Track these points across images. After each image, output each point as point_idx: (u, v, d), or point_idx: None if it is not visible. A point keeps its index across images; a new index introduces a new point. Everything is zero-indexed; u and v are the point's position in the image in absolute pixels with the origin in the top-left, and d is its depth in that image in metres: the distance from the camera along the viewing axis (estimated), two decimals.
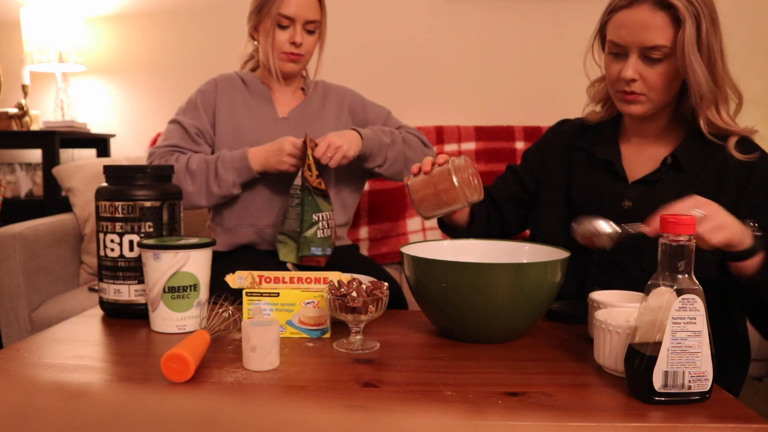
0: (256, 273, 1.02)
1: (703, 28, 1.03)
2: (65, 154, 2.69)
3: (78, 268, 2.12)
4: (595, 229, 0.99)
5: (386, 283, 0.94)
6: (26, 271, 1.87)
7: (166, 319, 1.01)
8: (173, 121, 1.53)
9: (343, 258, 1.49)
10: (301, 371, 0.85)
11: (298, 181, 1.40)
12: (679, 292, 0.73)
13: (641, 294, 0.79)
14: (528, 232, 1.36)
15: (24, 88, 2.49)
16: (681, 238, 0.74)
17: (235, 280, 1.01)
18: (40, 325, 1.85)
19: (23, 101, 2.50)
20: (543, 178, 1.28)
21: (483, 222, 1.29)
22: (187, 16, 2.65)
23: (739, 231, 0.91)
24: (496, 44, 2.61)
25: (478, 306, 0.92)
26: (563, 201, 1.23)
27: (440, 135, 2.40)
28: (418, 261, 0.96)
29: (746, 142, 1.10)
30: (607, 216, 1.01)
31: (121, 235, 1.08)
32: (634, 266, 1.11)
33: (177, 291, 1.00)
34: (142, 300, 1.08)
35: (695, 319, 0.73)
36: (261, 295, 1.00)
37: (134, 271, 1.08)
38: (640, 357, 0.75)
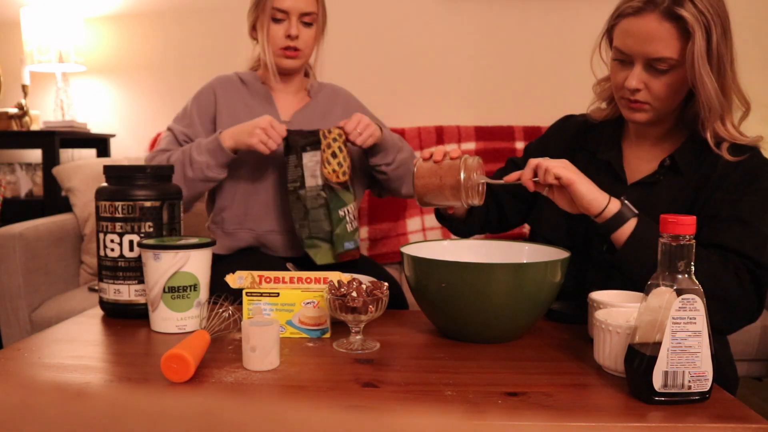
0: (256, 273, 1.02)
1: (713, 39, 0.99)
2: (65, 154, 2.69)
3: (78, 268, 2.13)
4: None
5: (386, 283, 0.94)
6: (26, 271, 1.87)
7: (166, 319, 1.01)
8: (168, 129, 1.54)
9: None
10: (301, 371, 0.85)
11: (318, 182, 1.35)
12: (679, 292, 0.73)
13: (641, 294, 0.79)
14: (528, 231, 1.35)
15: (24, 88, 2.49)
16: (681, 238, 0.74)
17: (235, 280, 1.01)
18: (40, 325, 1.85)
19: (23, 101, 2.50)
20: None
21: (480, 216, 1.29)
22: (187, 16, 2.65)
23: (593, 189, 1.01)
24: (496, 44, 2.61)
25: (478, 306, 0.92)
26: None
27: (440, 135, 2.40)
28: (418, 261, 0.96)
29: (744, 147, 1.08)
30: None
31: (121, 235, 1.08)
32: None
33: (177, 291, 1.00)
34: (142, 300, 1.08)
35: (695, 319, 0.73)
36: (261, 295, 1.00)
37: (134, 271, 1.08)
38: (640, 357, 0.75)
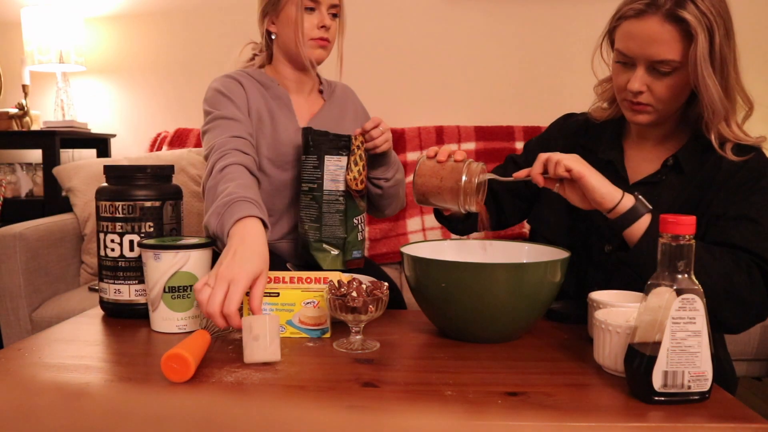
0: None
1: (716, 41, 0.98)
2: (65, 154, 2.69)
3: (78, 268, 2.13)
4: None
5: (386, 283, 0.94)
6: (26, 271, 1.87)
7: (167, 319, 1.01)
8: (212, 120, 1.32)
9: None
10: (301, 371, 0.85)
11: (339, 186, 1.30)
12: (679, 292, 0.73)
13: (641, 294, 0.79)
14: (528, 231, 1.35)
15: (24, 88, 2.49)
16: (681, 238, 0.74)
17: None
18: (40, 325, 1.85)
19: (24, 101, 2.50)
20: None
21: (479, 215, 1.29)
22: (187, 16, 2.66)
23: (605, 183, 1.00)
24: (496, 44, 2.61)
25: (478, 306, 0.92)
26: (564, 200, 1.23)
27: (440, 135, 2.40)
28: (418, 261, 0.96)
29: (748, 147, 1.08)
30: (606, 218, 1.01)
31: (121, 235, 1.08)
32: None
33: (177, 291, 1.00)
34: (142, 300, 1.08)
35: (695, 319, 0.73)
36: None
37: (134, 271, 1.08)
38: (640, 357, 0.75)
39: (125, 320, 1.09)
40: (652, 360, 0.73)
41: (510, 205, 1.31)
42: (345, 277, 1.00)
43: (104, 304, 1.11)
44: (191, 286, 1.01)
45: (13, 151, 2.73)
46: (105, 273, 1.10)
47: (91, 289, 1.98)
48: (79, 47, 2.54)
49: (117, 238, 1.08)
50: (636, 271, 1.00)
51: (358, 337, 0.95)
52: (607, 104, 1.23)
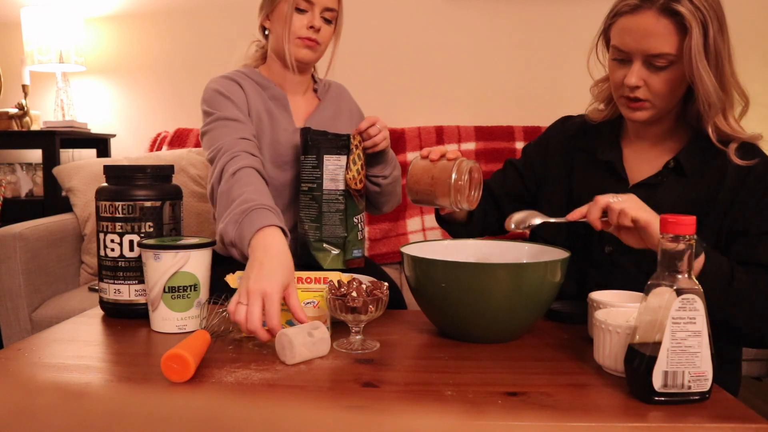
0: None
1: (710, 34, 1.00)
2: (65, 154, 2.69)
3: (78, 268, 2.13)
4: (527, 220, 1.06)
5: (386, 283, 0.94)
6: (26, 271, 1.87)
7: (167, 319, 1.01)
8: (214, 120, 1.32)
9: None
10: (301, 371, 0.85)
11: (339, 186, 1.30)
12: (679, 292, 0.73)
13: (641, 294, 0.79)
14: (528, 231, 1.35)
15: (24, 88, 2.49)
16: (681, 238, 0.74)
17: (235, 280, 1.01)
18: (40, 325, 1.85)
19: (23, 101, 2.50)
20: (544, 176, 1.28)
21: (480, 220, 1.29)
22: (187, 16, 2.66)
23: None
24: (496, 44, 2.61)
25: (478, 306, 0.92)
26: (564, 201, 1.23)
27: (440, 135, 2.40)
28: (418, 261, 0.96)
29: (748, 148, 1.08)
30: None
31: (121, 235, 1.08)
32: (633, 267, 1.11)
33: (177, 291, 1.00)
34: (142, 300, 1.08)
35: (695, 319, 0.73)
36: None
37: (134, 271, 1.08)
38: (640, 357, 0.75)
39: (125, 320, 1.09)
40: (652, 360, 0.73)
41: (511, 209, 1.31)
42: (345, 277, 1.00)
43: (104, 304, 1.11)
44: (191, 286, 1.01)
45: (13, 151, 2.73)
46: (105, 273, 1.10)
47: (91, 289, 1.98)
48: (79, 47, 2.54)
49: (117, 238, 1.08)
50: None
51: (358, 337, 0.95)
52: (604, 105, 1.23)
